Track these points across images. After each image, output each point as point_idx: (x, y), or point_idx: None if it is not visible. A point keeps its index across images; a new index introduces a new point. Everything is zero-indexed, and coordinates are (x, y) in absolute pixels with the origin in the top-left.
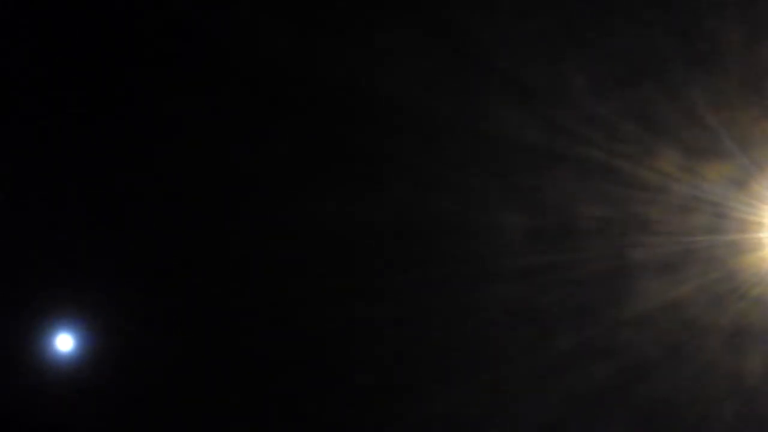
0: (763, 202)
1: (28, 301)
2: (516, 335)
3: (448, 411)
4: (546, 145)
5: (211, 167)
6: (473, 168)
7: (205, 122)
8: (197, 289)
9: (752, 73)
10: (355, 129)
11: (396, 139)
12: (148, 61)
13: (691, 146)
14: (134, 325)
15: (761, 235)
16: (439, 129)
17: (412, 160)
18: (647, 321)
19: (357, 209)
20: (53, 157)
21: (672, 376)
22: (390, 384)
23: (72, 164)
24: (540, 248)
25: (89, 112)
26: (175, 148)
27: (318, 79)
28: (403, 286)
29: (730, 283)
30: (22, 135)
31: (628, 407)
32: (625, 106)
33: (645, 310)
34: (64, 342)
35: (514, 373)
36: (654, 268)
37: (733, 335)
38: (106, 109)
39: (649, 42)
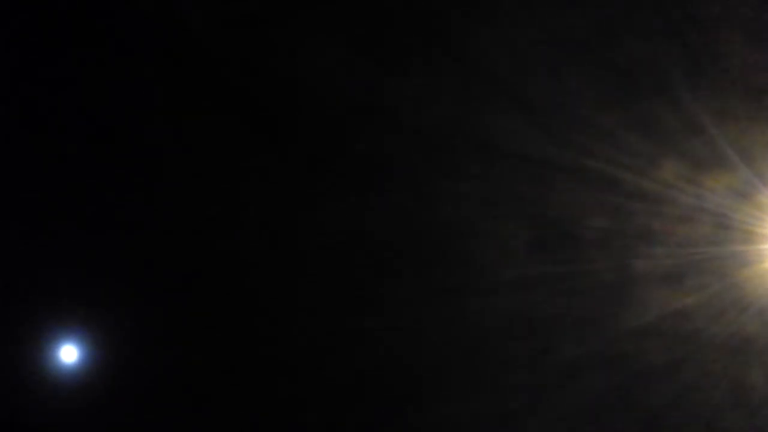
0: (766, 213)
1: (32, 312)
2: (518, 345)
3: (448, 420)
4: (549, 156)
5: (214, 176)
6: (476, 178)
7: (207, 132)
8: (201, 299)
9: (756, 85)
10: (357, 139)
11: (398, 149)
12: (148, 72)
13: (694, 157)
14: (138, 336)
15: (765, 246)
16: (442, 139)
17: (415, 170)
18: (650, 332)
19: (359, 219)
20: (57, 166)
21: (674, 387)
22: (390, 393)
23: (76, 174)
24: (542, 259)
25: (90, 125)
26: (178, 158)
27: (319, 88)
28: (405, 295)
29: (733, 295)
30: (25, 143)
31: (630, 418)
32: (628, 117)
33: (647, 321)
34: (69, 353)
35: (516, 383)
36: (657, 279)
37: (736, 346)
38: (105, 120)
39: (653, 53)
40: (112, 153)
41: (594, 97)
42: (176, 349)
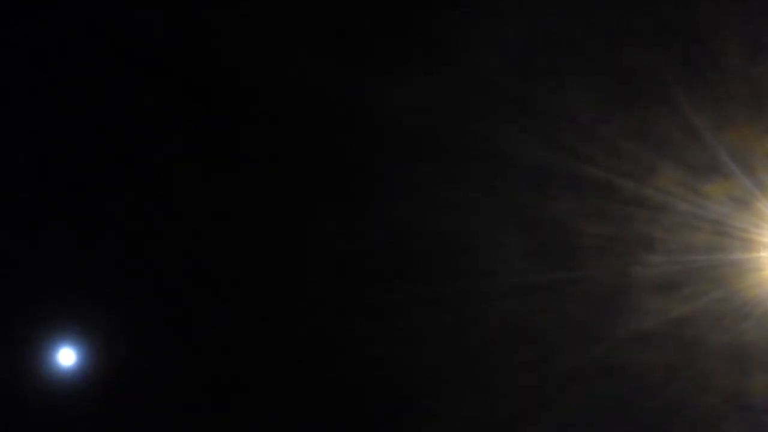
0: (765, 221)
1: (30, 315)
2: (517, 352)
3: (447, 426)
4: (548, 163)
5: (216, 182)
6: (475, 186)
7: (211, 139)
8: (200, 304)
9: (754, 93)
10: (358, 148)
11: (398, 157)
12: (146, 81)
13: (693, 165)
14: (137, 339)
15: (763, 254)
16: (442, 147)
17: (414, 178)
18: (649, 339)
19: (358, 227)
20: (56, 172)
21: (674, 394)
22: (389, 400)
23: (74, 179)
24: (542, 266)
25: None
26: (181, 165)
27: (320, 97)
28: (404, 303)
29: (732, 303)
30: (24, 148)
31: (629, 424)
32: (627, 125)
33: (647, 328)
34: (66, 356)
35: (516, 389)
36: (656, 286)
37: (735, 354)
38: (111, 125)
39: (652, 62)
40: (110, 158)
41: (594, 105)
42: (175, 352)
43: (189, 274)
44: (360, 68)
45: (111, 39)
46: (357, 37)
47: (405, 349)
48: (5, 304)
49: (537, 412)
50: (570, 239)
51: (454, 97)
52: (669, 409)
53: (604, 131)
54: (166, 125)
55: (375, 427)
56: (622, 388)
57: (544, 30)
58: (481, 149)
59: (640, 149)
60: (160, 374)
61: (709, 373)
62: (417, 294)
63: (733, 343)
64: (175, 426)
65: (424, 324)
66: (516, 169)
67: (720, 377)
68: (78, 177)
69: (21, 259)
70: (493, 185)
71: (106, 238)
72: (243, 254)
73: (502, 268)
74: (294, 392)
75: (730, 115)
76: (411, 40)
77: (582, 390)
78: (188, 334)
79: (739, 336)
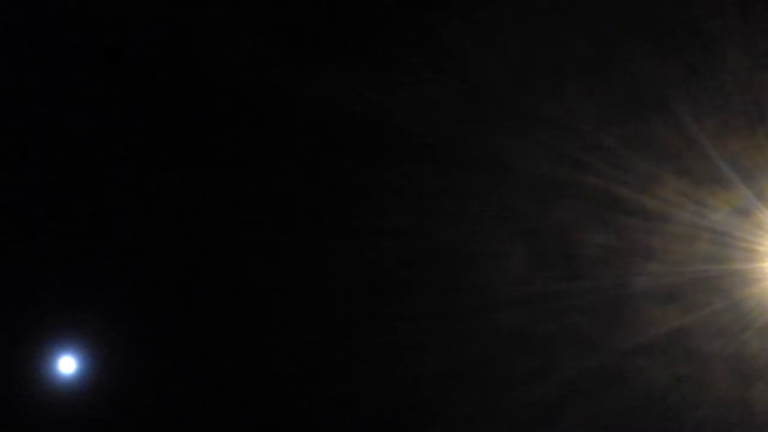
0: (766, 231)
1: (30, 323)
2: (518, 363)
3: None
4: (549, 173)
5: (217, 188)
6: (476, 195)
7: (212, 142)
8: (202, 312)
9: (756, 103)
10: (358, 157)
11: (399, 167)
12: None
13: (694, 175)
14: (137, 346)
15: (765, 264)
16: (443, 157)
17: (415, 188)
18: (650, 350)
19: (359, 238)
20: (58, 180)
21: (675, 405)
22: (390, 411)
23: (76, 189)
24: (543, 276)
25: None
26: (181, 169)
27: (321, 106)
28: (406, 314)
29: (735, 313)
30: (27, 149)
31: None
32: (629, 135)
33: (648, 339)
34: (67, 364)
35: (517, 400)
36: (657, 296)
37: (737, 365)
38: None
39: (654, 72)
40: (110, 163)
41: (595, 115)
42: (176, 362)
43: (190, 283)
44: (360, 76)
45: (98, 40)
46: (357, 43)
47: (406, 360)
48: (5, 312)
49: (539, 423)
50: (571, 249)
51: (456, 106)
52: (670, 419)
53: (606, 140)
54: (167, 127)
55: None
56: (624, 398)
57: (545, 38)
58: (482, 158)
59: (641, 159)
60: (161, 383)
61: (710, 383)
62: (418, 305)
63: (735, 354)
64: None
65: (425, 335)
66: (517, 179)
67: (721, 387)
68: (78, 183)
69: (21, 267)
70: (495, 194)
71: (107, 246)
72: (245, 264)
73: (504, 278)
74: (296, 403)
75: (732, 124)
76: (413, 48)
77: (584, 400)
78: (190, 343)
79: (741, 346)
